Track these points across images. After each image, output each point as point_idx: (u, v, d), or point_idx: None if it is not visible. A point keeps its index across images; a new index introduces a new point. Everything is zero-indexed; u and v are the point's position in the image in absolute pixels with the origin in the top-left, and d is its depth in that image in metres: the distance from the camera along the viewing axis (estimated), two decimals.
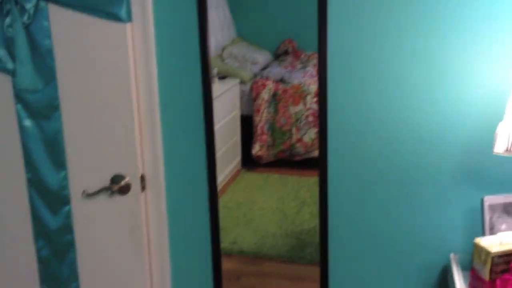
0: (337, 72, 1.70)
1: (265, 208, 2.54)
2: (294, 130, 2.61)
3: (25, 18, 1.75)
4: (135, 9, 1.75)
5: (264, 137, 2.62)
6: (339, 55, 1.68)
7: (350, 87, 1.71)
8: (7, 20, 1.76)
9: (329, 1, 1.64)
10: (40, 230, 1.95)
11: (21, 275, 2.04)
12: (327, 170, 1.78)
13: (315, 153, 2.11)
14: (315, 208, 1.89)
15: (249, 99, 2.61)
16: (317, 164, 1.77)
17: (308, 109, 2.57)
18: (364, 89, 1.70)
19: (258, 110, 2.60)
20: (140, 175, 1.85)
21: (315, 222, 1.88)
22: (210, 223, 1.92)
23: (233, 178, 2.58)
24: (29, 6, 1.74)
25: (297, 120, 2.59)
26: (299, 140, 2.60)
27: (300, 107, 2.59)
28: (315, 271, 1.86)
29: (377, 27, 1.64)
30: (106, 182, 1.85)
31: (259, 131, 2.61)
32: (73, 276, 1.97)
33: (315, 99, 2.51)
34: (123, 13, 1.73)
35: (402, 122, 1.70)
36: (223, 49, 2.68)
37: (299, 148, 2.60)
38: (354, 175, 1.78)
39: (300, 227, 2.42)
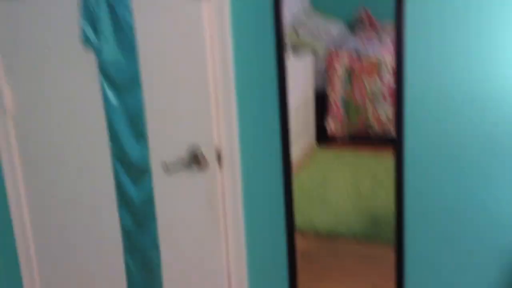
0: (415, 44, 1.62)
1: (340, 186, 2.51)
2: (369, 105, 2.53)
3: None
4: None
5: (339, 112, 2.57)
6: (417, 25, 1.60)
7: (429, 61, 1.63)
8: None
9: None
10: (123, 201, 2.03)
11: (107, 244, 2.14)
12: (404, 148, 1.72)
13: (392, 131, 2.04)
14: (391, 187, 1.84)
15: (323, 73, 2.56)
16: (393, 141, 1.71)
17: (385, 83, 2.48)
18: (445, 63, 1.61)
19: (332, 85, 2.54)
20: (215, 148, 1.88)
21: (391, 201, 1.84)
22: (284, 200, 1.92)
23: (307, 155, 2.56)
24: None
25: (372, 94, 2.51)
26: (375, 116, 2.53)
27: (375, 80, 2.50)
28: (391, 252, 1.82)
29: None
30: (184, 155, 1.89)
31: (333, 106, 2.56)
32: (154, 246, 2.05)
33: (391, 73, 2.43)
34: None
35: (485, 98, 1.60)
36: (297, 21, 2.62)
37: (375, 124, 2.53)
38: (432, 154, 1.70)
39: (375, 206, 2.37)
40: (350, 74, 2.53)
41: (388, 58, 2.49)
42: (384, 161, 2.47)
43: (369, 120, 2.55)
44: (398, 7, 1.60)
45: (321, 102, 2.58)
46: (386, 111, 2.51)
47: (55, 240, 2.24)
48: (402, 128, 1.71)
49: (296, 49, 2.58)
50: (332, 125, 2.60)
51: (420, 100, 1.67)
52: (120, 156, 1.98)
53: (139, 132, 1.93)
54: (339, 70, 2.53)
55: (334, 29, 2.61)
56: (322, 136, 2.60)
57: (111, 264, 2.14)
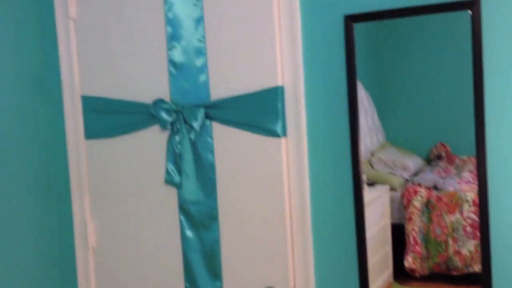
0: (499, 178, 1.58)
1: None
2: (450, 241, 2.42)
3: (192, 135, 1.93)
4: (290, 124, 1.84)
5: (417, 248, 2.46)
6: (499, 159, 1.57)
7: None
8: (177, 138, 1.95)
9: (487, 101, 1.57)
10: None
11: None
12: (492, 286, 1.61)
13: (476, 268, 1.92)
14: None
15: (400, 207, 2.50)
16: (478, 280, 1.60)
17: (466, 218, 2.38)
18: None
19: (410, 219, 2.47)
20: None
21: None
22: None
23: None
24: (196, 124, 1.91)
25: (453, 230, 2.41)
26: (457, 252, 2.40)
27: (456, 216, 2.41)
28: None
29: None
30: None
31: (411, 241, 2.46)
32: None
33: (473, 208, 2.34)
34: (278, 129, 1.83)
35: None
36: (372, 154, 2.64)
37: (457, 261, 2.39)
38: None
39: None
40: (429, 209, 2.46)
41: (468, 192, 2.42)
42: None
43: (450, 256, 2.43)
44: (480, 144, 1.60)
45: (398, 236, 2.50)
46: (469, 247, 2.39)
47: None
48: (489, 264, 1.62)
49: (371, 181, 2.57)
50: (410, 261, 2.48)
51: (505, 234, 1.59)
52: None
53: (214, 271, 1.94)
54: (417, 204, 2.47)
55: (411, 162, 2.60)
56: (401, 272, 2.48)
57: None
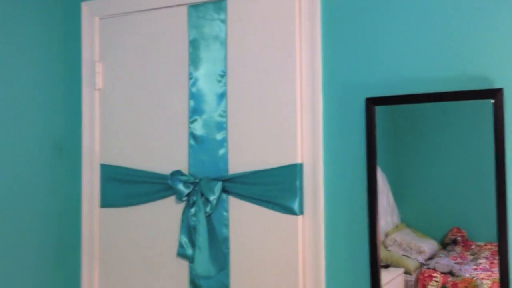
0: None
1: None
2: None
3: (208, 208, 1.92)
4: (307, 202, 1.83)
5: None
6: None
7: None
8: (192, 210, 1.94)
9: (509, 189, 1.57)
10: None
11: None
12: None
13: None
14: None
15: None
16: None
17: None
18: None
19: None
20: None
21: None
22: None
23: None
24: (213, 198, 1.91)
25: None
26: None
27: None
28: None
29: None
30: None
31: None
32: None
33: None
34: (296, 207, 1.82)
35: None
36: (386, 235, 2.60)
37: None
38: None
39: None
40: None
41: (484, 279, 2.35)
42: None
43: None
44: (502, 231, 1.57)
45: None
46: None
47: None
48: None
49: (385, 263, 2.52)
50: None
51: None
52: None
53: None
54: None
55: (426, 246, 2.55)
56: None
57: None
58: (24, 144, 2.11)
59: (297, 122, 1.83)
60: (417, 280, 2.47)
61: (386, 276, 2.41)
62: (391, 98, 1.72)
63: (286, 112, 1.85)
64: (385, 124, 2.18)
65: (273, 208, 1.85)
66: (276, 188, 1.84)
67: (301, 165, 1.82)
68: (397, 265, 2.51)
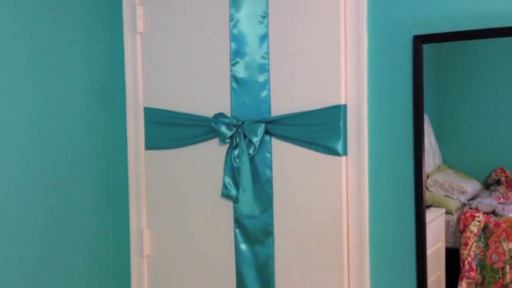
0: None
1: None
2: (508, 268, 2.34)
3: (251, 150, 1.94)
4: (351, 143, 1.82)
5: (472, 274, 2.39)
6: None
7: None
8: (235, 152, 1.96)
9: None
10: None
11: None
12: None
13: None
14: None
15: (456, 231, 2.44)
16: None
17: None
18: None
19: (466, 244, 2.40)
20: None
21: None
22: None
23: None
24: (256, 139, 1.92)
25: (511, 257, 2.33)
26: None
27: None
28: None
29: None
30: None
31: (466, 266, 2.39)
32: None
33: None
34: (339, 148, 1.82)
35: None
36: (428, 176, 2.59)
37: None
38: None
39: None
40: (486, 234, 2.39)
41: None
42: None
43: (507, 284, 2.34)
44: None
45: (452, 261, 2.44)
46: None
47: None
48: None
49: (426, 203, 2.52)
50: (464, 286, 2.41)
51: None
52: None
53: (267, 286, 1.93)
54: (474, 229, 2.40)
55: (469, 186, 2.54)
56: None
57: None
58: (69, 90, 2.15)
59: (341, 63, 1.80)
60: (458, 220, 2.47)
61: (427, 216, 2.42)
62: (441, 35, 1.66)
63: (329, 52, 1.81)
64: (428, 63, 2.13)
65: (316, 150, 1.85)
66: (320, 129, 1.84)
67: (345, 106, 1.81)
68: (438, 206, 2.51)
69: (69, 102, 2.15)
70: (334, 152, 1.82)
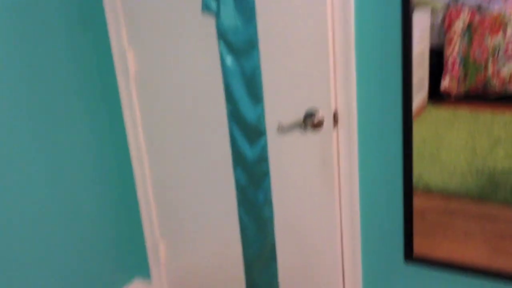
0: None
1: (453, 145, 2.43)
2: (490, 63, 2.39)
3: None
4: None
5: (455, 70, 2.45)
6: None
7: None
8: None
9: None
10: (239, 159, 2.12)
11: (222, 199, 2.27)
12: None
13: None
14: (510, 147, 1.76)
15: (440, 31, 2.43)
16: None
17: (509, 41, 2.32)
18: None
19: (450, 42, 2.42)
20: (333, 111, 1.88)
21: (510, 162, 1.76)
22: (403, 158, 1.93)
23: (418, 113, 2.49)
24: None
25: (494, 51, 2.37)
26: (496, 73, 2.39)
27: (498, 38, 2.35)
28: (508, 211, 1.76)
29: None
30: (300, 117, 1.92)
31: (450, 64, 2.44)
32: (267, 201, 2.14)
33: None
34: None
35: None
36: None
37: (495, 82, 2.39)
38: None
39: (492, 166, 2.28)
40: (470, 31, 2.39)
41: None
42: (504, 120, 2.35)
43: (488, 77, 2.42)
44: None
45: (437, 59, 2.48)
46: (509, 68, 2.37)
47: (173, 194, 2.41)
48: None
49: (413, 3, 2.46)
50: (447, 83, 2.49)
51: None
52: (236, 117, 2.05)
53: (255, 95, 1.98)
54: (459, 26, 2.40)
55: None
56: (435, 94, 2.51)
57: (226, 217, 2.28)
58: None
59: None
60: (443, 18, 2.45)
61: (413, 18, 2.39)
62: None
63: None
64: None
65: None
66: None
67: None
68: (423, 5, 2.46)
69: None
70: None
